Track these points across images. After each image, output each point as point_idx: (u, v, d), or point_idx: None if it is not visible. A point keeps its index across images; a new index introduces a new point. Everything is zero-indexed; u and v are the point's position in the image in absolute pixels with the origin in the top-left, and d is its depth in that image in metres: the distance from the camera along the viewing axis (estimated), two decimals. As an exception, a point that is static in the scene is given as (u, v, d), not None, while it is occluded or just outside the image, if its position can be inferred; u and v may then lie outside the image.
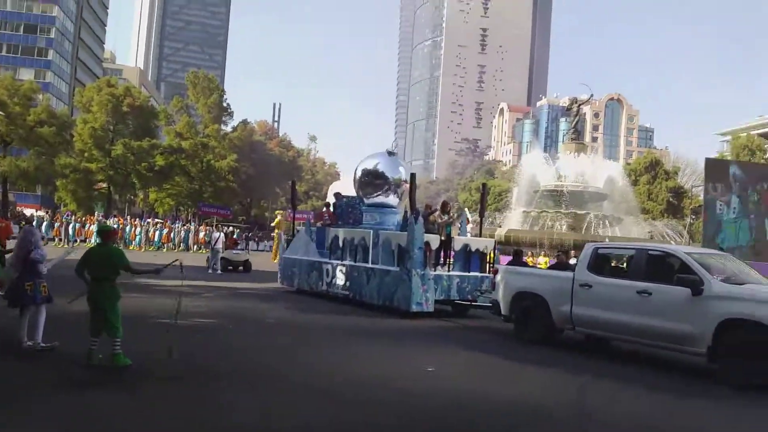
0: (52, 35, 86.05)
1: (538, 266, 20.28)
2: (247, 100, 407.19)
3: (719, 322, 8.27)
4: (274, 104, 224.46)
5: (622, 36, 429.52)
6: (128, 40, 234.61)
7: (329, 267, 16.57)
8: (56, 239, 35.63)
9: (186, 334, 10.16)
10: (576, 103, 42.83)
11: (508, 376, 8.55)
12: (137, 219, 46.19)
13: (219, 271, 23.63)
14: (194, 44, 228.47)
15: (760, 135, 69.86)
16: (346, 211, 18.56)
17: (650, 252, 10.16)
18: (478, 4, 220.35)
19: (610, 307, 9.59)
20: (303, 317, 13.32)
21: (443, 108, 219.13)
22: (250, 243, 43.48)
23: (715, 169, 26.10)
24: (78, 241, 35.28)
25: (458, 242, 15.55)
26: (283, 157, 79.93)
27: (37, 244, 8.24)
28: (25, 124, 50.89)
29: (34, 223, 34.83)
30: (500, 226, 36.30)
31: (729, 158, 52.27)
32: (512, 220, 37.81)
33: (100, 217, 42.77)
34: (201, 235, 43.05)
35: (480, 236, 17.08)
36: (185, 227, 44.64)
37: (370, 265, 15.25)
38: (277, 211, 41.13)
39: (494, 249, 15.99)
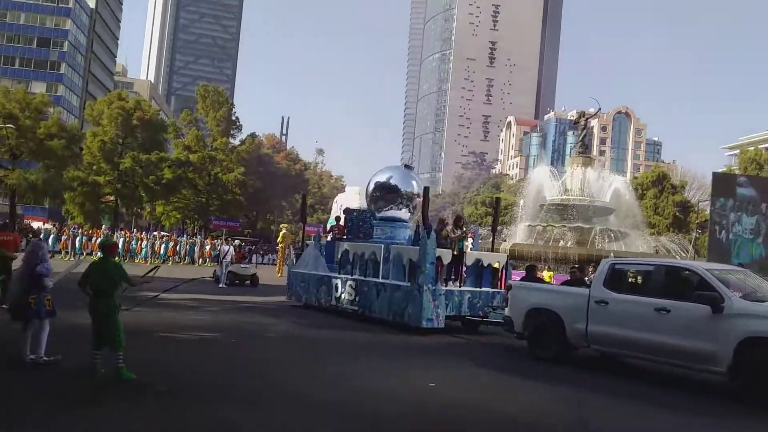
0: (65, 49, 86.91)
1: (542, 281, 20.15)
2: (256, 113, 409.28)
3: (740, 340, 8.11)
4: (283, 117, 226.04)
5: (631, 50, 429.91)
6: (140, 54, 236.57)
7: (338, 281, 16.29)
8: (63, 252, 35.88)
9: (190, 348, 10.27)
10: (584, 116, 42.67)
11: (511, 392, 8.52)
12: (143, 232, 46.44)
13: (223, 285, 23.51)
14: (205, 58, 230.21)
15: (768, 149, 69.58)
16: (357, 224, 18.34)
17: (668, 268, 9.97)
18: (487, 18, 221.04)
19: (627, 325, 9.40)
20: (309, 332, 13.26)
21: (451, 121, 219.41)
22: (255, 256, 43.63)
23: (722, 183, 26.15)
24: (84, 254, 35.52)
25: (470, 257, 15.31)
26: (290, 171, 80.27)
27: (44, 257, 8.34)
28: (35, 137, 51.33)
29: (41, 236, 35.17)
30: (505, 240, 36.25)
31: (737, 172, 52.13)
32: (518, 234, 37.75)
33: (106, 231, 42.99)
34: (207, 248, 43.27)
35: (492, 251, 16.84)
36: (191, 240, 44.85)
37: (380, 279, 15.03)
38: (282, 225, 41.22)
39: (506, 264, 15.72)
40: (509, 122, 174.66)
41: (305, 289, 17.77)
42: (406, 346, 11.89)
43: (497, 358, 11.30)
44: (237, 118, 68.86)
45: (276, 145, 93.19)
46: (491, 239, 17.69)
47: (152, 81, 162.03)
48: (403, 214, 18.05)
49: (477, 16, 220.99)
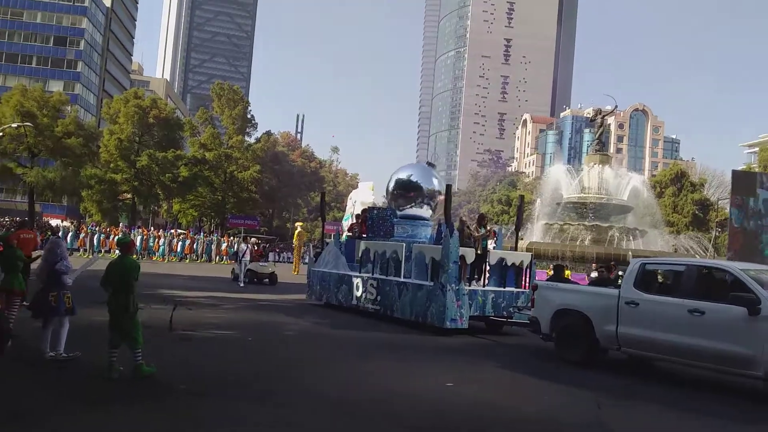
0: (81, 47, 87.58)
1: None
2: (271, 111, 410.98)
3: None
4: (298, 115, 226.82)
5: (648, 47, 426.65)
6: (155, 52, 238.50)
7: (359, 281, 16.05)
8: (81, 250, 36.13)
9: (209, 346, 10.24)
10: (600, 114, 42.29)
11: (532, 393, 8.39)
12: (161, 230, 46.67)
13: (242, 284, 23.41)
14: (220, 56, 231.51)
15: (789, 146, 68.69)
16: (377, 223, 17.95)
17: (701, 268, 9.73)
18: (502, 15, 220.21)
19: (659, 327, 9.12)
20: (329, 331, 13.16)
21: (466, 119, 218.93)
22: (271, 254, 43.70)
23: (742, 181, 25.72)
24: (102, 251, 35.75)
25: (493, 256, 14.95)
26: (305, 168, 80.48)
27: (63, 255, 8.36)
28: (53, 135, 51.76)
29: (60, 233, 35.41)
30: (522, 239, 36.04)
31: (756, 170, 51.49)
32: (534, 233, 37.49)
33: (124, 228, 43.24)
34: (223, 246, 43.40)
35: (515, 250, 16.57)
36: (208, 238, 45.03)
37: (402, 279, 14.77)
38: (297, 223, 41.20)
39: (531, 263, 15.35)
40: (525, 120, 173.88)
41: (325, 287, 17.57)
42: (427, 346, 11.71)
43: (521, 359, 11.10)
44: (252, 116, 69.19)
45: (291, 143, 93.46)
46: (515, 238, 17.41)
47: (168, 79, 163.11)
48: (425, 212, 17.79)
49: (492, 14, 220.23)
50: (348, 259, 17.39)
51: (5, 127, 46.04)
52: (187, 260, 39.62)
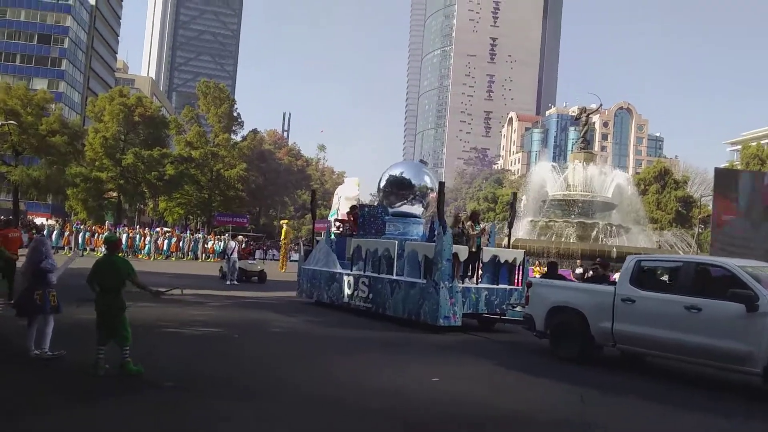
0: (66, 45, 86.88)
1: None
2: (258, 109, 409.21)
3: None
4: (284, 114, 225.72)
5: (632, 45, 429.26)
6: (141, 50, 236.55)
7: (350, 278, 15.94)
8: (66, 248, 35.93)
9: (196, 344, 10.26)
10: (585, 112, 42.79)
11: (515, 388, 8.45)
12: (147, 228, 46.49)
13: (235, 282, 23.20)
14: (206, 54, 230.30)
15: (771, 144, 69.45)
16: (368, 220, 17.86)
17: (698, 265, 9.62)
18: (488, 14, 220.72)
19: (655, 324, 9.11)
20: (317, 329, 13.08)
21: (452, 117, 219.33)
22: (258, 252, 43.66)
23: (724, 178, 26.07)
24: (87, 249, 35.57)
25: (486, 253, 14.87)
26: (292, 167, 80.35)
27: (47, 253, 8.36)
28: (37, 133, 51.35)
29: (44, 232, 35.17)
30: (507, 236, 36.28)
31: (739, 168, 52.07)
32: (520, 230, 37.79)
33: (110, 227, 43.02)
34: (210, 244, 43.29)
35: (509, 247, 16.58)
36: (194, 236, 44.92)
37: (394, 276, 14.66)
38: (282, 221, 41.18)
39: (524, 261, 15.37)
40: (510, 118, 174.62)
41: (316, 285, 17.47)
42: (419, 343, 11.70)
43: (512, 356, 11.15)
44: (238, 114, 68.87)
45: (278, 141, 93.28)
46: (508, 235, 17.51)
47: (153, 77, 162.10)
48: (416, 209, 17.70)
49: (477, 13, 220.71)
50: (339, 257, 17.25)
51: (-12, 125, 45.66)
52: (174, 258, 39.51)
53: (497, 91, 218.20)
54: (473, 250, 14.32)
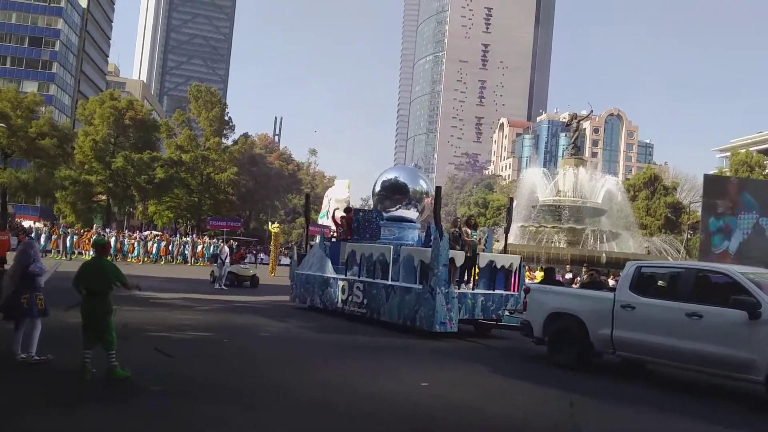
0: (57, 48, 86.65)
1: (534, 281, 19.97)
2: (249, 113, 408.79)
3: None
4: (276, 118, 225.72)
5: (623, 52, 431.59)
6: (132, 54, 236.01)
7: (345, 283, 15.79)
8: (54, 251, 35.72)
9: (185, 348, 10.22)
10: (576, 118, 42.93)
11: (506, 394, 8.41)
12: (136, 232, 46.29)
13: (222, 287, 22.83)
14: (197, 58, 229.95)
15: (760, 151, 69.99)
16: (363, 224, 17.72)
17: (699, 271, 9.45)
18: (480, 21, 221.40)
19: (655, 331, 9.00)
20: (309, 334, 12.98)
21: (444, 123, 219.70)
22: (249, 256, 43.56)
23: (713, 185, 26.28)
24: (76, 253, 35.37)
25: (483, 259, 14.75)
26: (283, 171, 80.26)
27: (36, 257, 8.29)
28: (27, 136, 51.19)
29: (33, 235, 34.99)
30: (498, 241, 36.40)
31: (728, 174, 52.44)
32: (510, 235, 37.82)
33: (98, 231, 42.79)
34: (199, 248, 43.12)
35: (505, 252, 16.39)
36: (184, 240, 44.75)
37: (389, 282, 14.53)
38: (272, 225, 41.05)
39: (520, 266, 15.23)
40: (502, 124, 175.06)
41: (309, 290, 17.29)
42: (413, 349, 11.61)
43: (508, 362, 11.10)
44: (230, 118, 68.84)
45: (269, 145, 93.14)
46: (504, 240, 17.35)
47: (144, 81, 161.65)
48: (411, 213, 17.55)
49: (470, 19, 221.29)
50: (333, 262, 17.07)
51: (-22, 127, 45.43)
52: (163, 262, 39.36)
53: (489, 97, 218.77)
54: (469, 255, 14.23)
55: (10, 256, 10.92)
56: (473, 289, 14.35)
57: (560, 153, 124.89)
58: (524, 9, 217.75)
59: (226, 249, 24.70)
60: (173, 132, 65.78)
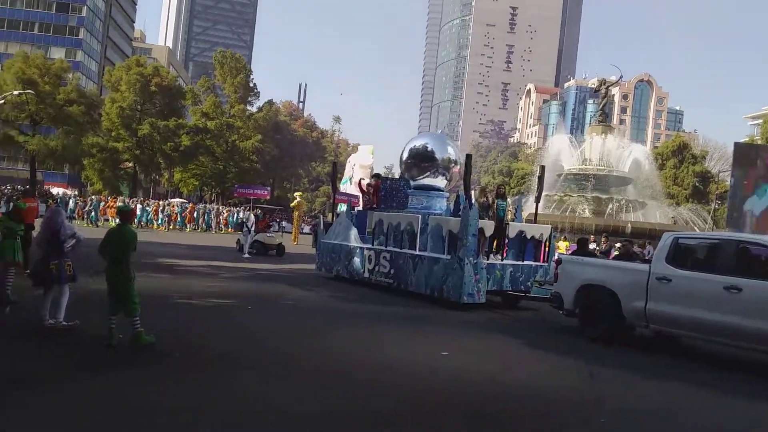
0: (84, 14, 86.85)
1: (557, 251, 19.68)
2: (274, 80, 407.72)
3: None
4: (300, 84, 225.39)
5: (654, 17, 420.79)
6: (158, 19, 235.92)
7: (372, 253, 15.55)
8: (79, 218, 36.23)
9: (208, 315, 10.39)
10: (605, 84, 42.08)
11: (528, 365, 8.36)
12: (160, 200, 46.78)
13: (248, 255, 22.79)
14: (223, 23, 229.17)
15: (793, 119, 68.21)
16: (390, 193, 17.41)
17: (739, 243, 9.09)
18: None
19: (692, 304, 8.73)
20: (335, 303, 12.95)
21: (469, 89, 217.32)
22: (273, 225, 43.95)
23: (744, 153, 25.71)
24: (102, 220, 35.91)
25: (512, 229, 14.41)
26: (307, 138, 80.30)
27: (63, 223, 8.40)
28: (55, 102, 51.66)
29: (59, 201, 35.59)
30: (522, 210, 36.16)
31: (759, 142, 51.28)
32: (533, 204, 37.58)
33: (125, 200, 43.39)
34: (224, 215, 43.55)
35: (535, 222, 16.02)
36: (208, 207, 45.19)
37: (417, 252, 14.30)
38: (296, 193, 41.16)
39: (551, 236, 14.88)
40: (529, 90, 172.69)
41: (336, 259, 17.07)
42: (438, 319, 11.55)
43: (534, 333, 10.94)
44: (255, 84, 68.83)
45: (293, 113, 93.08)
46: (534, 209, 17.00)
47: (170, 47, 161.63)
48: (440, 182, 17.17)
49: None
50: (359, 231, 16.84)
51: (7, 94, 45.94)
52: (188, 229, 39.84)
53: (516, 62, 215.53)
54: (497, 225, 14.01)
55: (38, 224, 11.14)
56: (502, 259, 14.12)
57: (588, 120, 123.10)
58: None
59: (252, 217, 24.75)
60: (198, 99, 65.99)
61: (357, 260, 16.17)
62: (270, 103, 73.10)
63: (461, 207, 13.75)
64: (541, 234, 14.80)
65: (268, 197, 38.65)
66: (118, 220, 8.47)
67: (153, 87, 59.02)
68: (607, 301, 9.96)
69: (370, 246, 15.98)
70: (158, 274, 13.32)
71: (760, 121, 72.05)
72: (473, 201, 13.56)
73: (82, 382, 6.07)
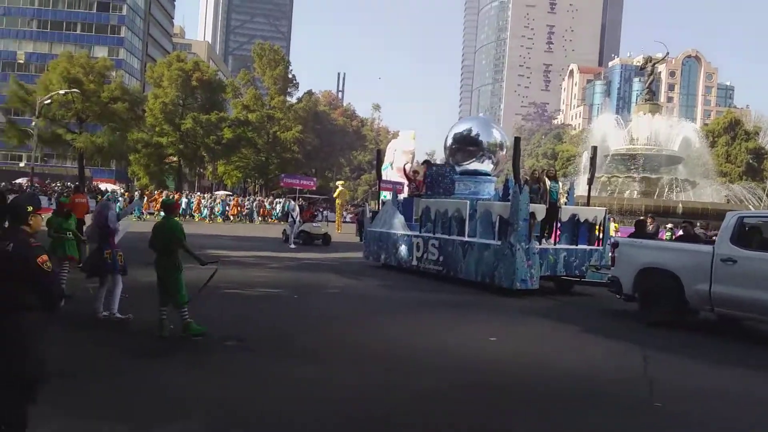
0: (124, 12, 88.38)
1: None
2: (312, 70, 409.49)
3: None
4: (339, 74, 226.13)
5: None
6: (196, 14, 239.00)
7: (419, 241, 15.36)
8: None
9: (260, 303, 10.39)
10: (650, 62, 40.85)
11: (579, 349, 8.17)
12: (205, 193, 47.37)
13: (293, 245, 22.78)
14: (260, 16, 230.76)
15: None
16: (436, 179, 17.09)
17: None
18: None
19: (760, 286, 8.30)
20: (383, 291, 12.82)
21: (510, 72, 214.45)
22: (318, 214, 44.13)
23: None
24: (145, 214, 36.42)
25: (565, 212, 14.09)
26: (346, 127, 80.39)
27: (112, 216, 8.51)
28: (100, 100, 52.65)
29: (107, 197, 36.30)
30: (587, 192, 35.46)
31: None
32: (580, 186, 36.80)
33: (169, 194, 44.14)
34: (267, 207, 43.89)
35: (588, 205, 15.57)
36: (251, 199, 45.59)
37: (466, 238, 14.01)
38: (338, 182, 41.08)
39: (605, 219, 14.48)
40: (571, 70, 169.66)
41: (383, 248, 16.90)
42: (488, 305, 11.37)
43: (589, 318, 10.60)
44: (293, 76, 69.13)
45: (333, 102, 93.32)
46: (587, 192, 16.33)
47: (209, 42, 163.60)
48: (486, 166, 16.87)
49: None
50: (406, 219, 16.72)
51: (53, 93, 46.94)
52: (234, 221, 40.23)
53: (557, 43, 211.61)
54: (548, 207, 13.63)
55: (89, 219, 11.23)
56: (555, 244, 13.77)
57: (634, 99, 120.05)
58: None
59: (297, 208, 24.70)
60: (239, 92, 66.58)
61: (405, 248, 15.98)
62: (309, 93, 73.33)
63: (510, 191, 13.42)
64: (595, 217, 14.42)
65: (314, 188, 38.68)
66: (163, 213, 8.48)
67: (194, 82, 59.73)
68: (669, 285, 9.53)
69: (417, 233, 15.75)
70: (205, 267, 13.32)
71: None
72: (523, 184, 13.20)
73: (134, 373, 6.09)
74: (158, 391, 5.57)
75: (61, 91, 47.60)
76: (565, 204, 14.62)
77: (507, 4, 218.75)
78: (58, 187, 44.47)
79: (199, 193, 45.68)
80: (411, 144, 35.69)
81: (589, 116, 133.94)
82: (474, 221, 14.23)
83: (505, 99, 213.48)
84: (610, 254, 11.66)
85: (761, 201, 39.73)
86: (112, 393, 5.43)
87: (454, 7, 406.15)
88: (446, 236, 14.72)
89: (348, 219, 43.77)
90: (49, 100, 46.42)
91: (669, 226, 24.09)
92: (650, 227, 19.25)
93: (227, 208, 41.20)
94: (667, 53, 49.46)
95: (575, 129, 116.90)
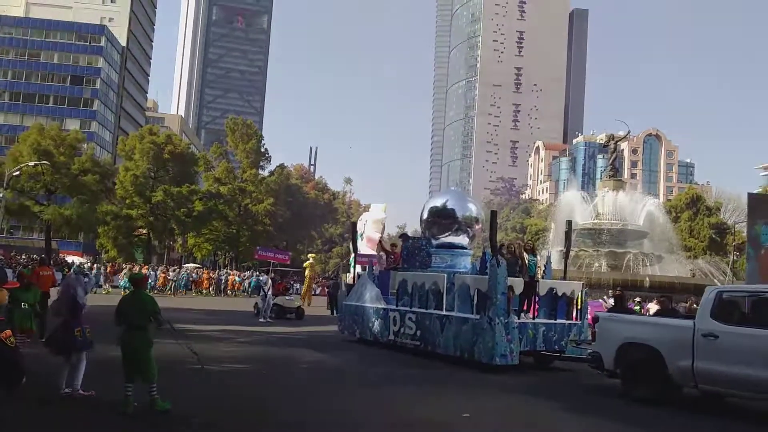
0: (98, 86, 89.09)
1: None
2: (285, 144, 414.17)
3: None
4: (311, 148, 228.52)
5: (659, 72, 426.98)
6: (170, 89, 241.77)
7: (396, 314, 15.10)
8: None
9: (226, 379, 10.18)
10: (613, 139, 42.24)
11: (555, 425, 8.10)
12: (170, 266, 46.72)
13: (263, 319, 22.38)
14: (234, 91, 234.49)
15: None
16: (412, 252, 17.01)
17: None
18: (512, 44, 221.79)
19: (743, 361, 8.25)
20: (357, 366, 12.75)
21: (478, 148, 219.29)
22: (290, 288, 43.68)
23: (758, 204, 25.49)
24: (108, 287, 35.59)
25: (543, 286, 14.02)
26: (318, 200, 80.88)
27: (81, 293, 8.35)
28: (70, 173, 52.42)
29: (74, 269, 35.55)
30: (564, 266, 35.78)
31: (772, 193, 50.99)
32: (550, 260, 37.18)
33: (136, 267, 43.44)
34: (237, 280, 43.40)
35: (565, 278, 15.53)
36: (218, 273, 45.11)
37: (444, 312, 13.84)
38: (309, 255, 40.96)
39: (582, 293, 14.43)
40: (537, 147, 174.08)
41: (358, 321, 16.72)
42: (465, 381, 11.30)
43: (568, 395, 10.47)
44: (266, 149, 69.84)
45: (305, 175, 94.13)
46: (563, 265, 16.43)
47: (182, 115, 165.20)
48: (462, 239, 16.99)
49: (502, 43, 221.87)
50: (382, 292, 16.46)
51: (22, 165, 46.68)
52: (202, 294, 39.66)
53: (523, 120, 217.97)
54: (526, 280, 13.57)
55: (54, 292, 11.02)
56: (534, 318, 13.74)
57: (598, 175, 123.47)
58: (557, 31, 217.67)
59: (270, 281, 24.50)
60: (211, 165, 66.90)
61: (381, 322, 15.74)
62: (281, 167, 74.00)
63: (488, 264, 13.34)
64: (573, 291, 14.31)
65: (288, 262, 38.46)
66: (130, 288, 8.39)
67: (166, 155, 59.92)
68: (650, 360, 9.45)
69: (394, 307, 15.48)
70: (171, 340, 13.07)
71: (772, 171, 71.96)
72: (500, 258, 13.20)
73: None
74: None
75: (31, 163, 47.35)
76: (542, 278, 14.59)
77: (474, 83, 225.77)
78: (23, 259, 43.55)
79: (162, 266, 44.96)
80: (382, 214, 35.79)
81: (556, 191, 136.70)
82: (452, 294, 14.04)
83: (474, 174, 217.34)
84: (590, 329, 11.49)
85: (725, 275, 40.49)
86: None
87: (423, 85, 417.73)
88: (423, 310, 14.50)
89: (317, 292, 43.40)
90: (18, 172, 46.08)
91: (637, 299, 24.38)
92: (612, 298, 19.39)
93: (191, 279, 40.69)
94: (629, 131, 51.20)
95: (543, 203, 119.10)
